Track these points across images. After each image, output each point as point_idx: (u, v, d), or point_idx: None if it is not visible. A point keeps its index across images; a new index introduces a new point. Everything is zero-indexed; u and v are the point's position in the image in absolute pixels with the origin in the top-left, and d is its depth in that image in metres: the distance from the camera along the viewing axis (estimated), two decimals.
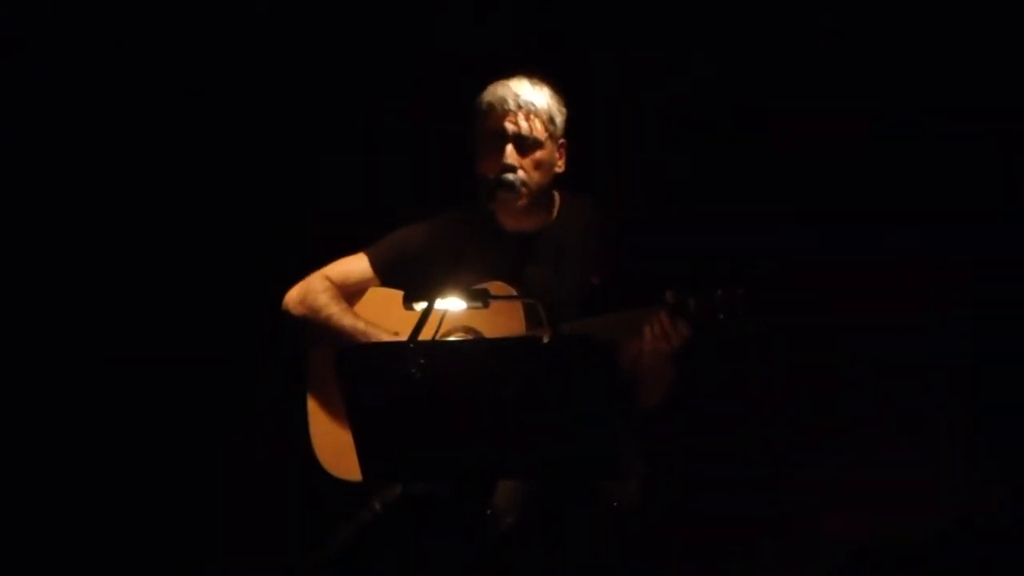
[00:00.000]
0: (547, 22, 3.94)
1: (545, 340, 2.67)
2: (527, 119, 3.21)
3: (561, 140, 3.28)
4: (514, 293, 3.15)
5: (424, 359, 2.52)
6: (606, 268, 3.24)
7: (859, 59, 3.83)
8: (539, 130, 3.22)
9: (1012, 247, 3.74)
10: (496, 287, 3.11)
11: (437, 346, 2.81)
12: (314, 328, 3.32)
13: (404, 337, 2.73)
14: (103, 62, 4.10)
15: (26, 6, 4.05)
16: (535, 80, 3.27)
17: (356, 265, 3.38)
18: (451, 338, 3.19)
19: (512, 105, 3.21)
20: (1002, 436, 3.80)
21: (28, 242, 4.13)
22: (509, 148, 3.21)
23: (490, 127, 3.23)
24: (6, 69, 4.07)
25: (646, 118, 3.90)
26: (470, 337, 3.19)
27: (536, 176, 3.22)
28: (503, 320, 3.14)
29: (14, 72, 4.08)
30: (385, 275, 3.37)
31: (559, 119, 3.26)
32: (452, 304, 2.87)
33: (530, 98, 3.23)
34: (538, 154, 3.23)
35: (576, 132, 3.30)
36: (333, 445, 3.25)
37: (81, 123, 4.12)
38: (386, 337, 3.25)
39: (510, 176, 3.18)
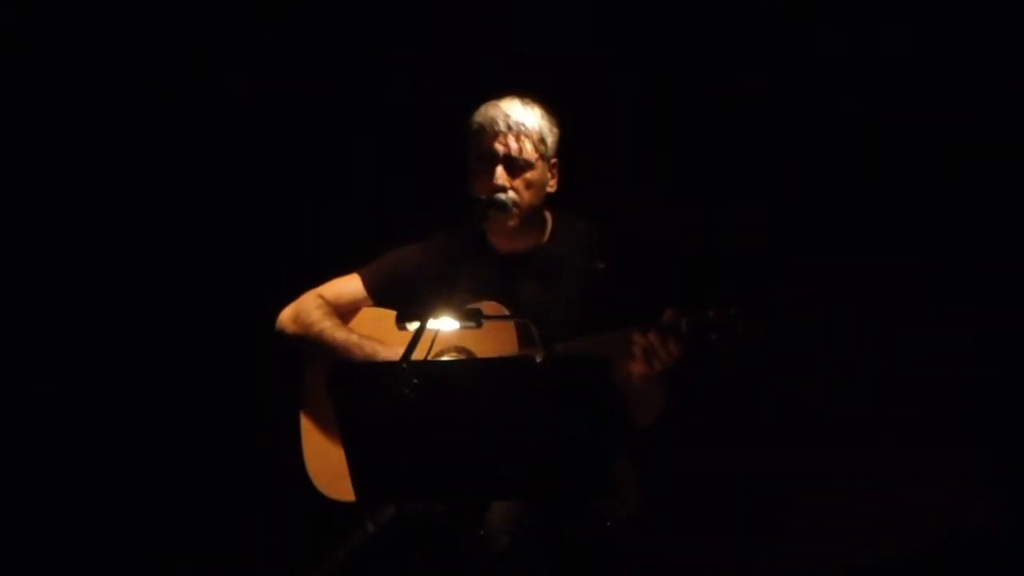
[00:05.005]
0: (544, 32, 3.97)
1: (538, 360, 2.67)
2: (517, 140, 3.21)
3: (553, 160, 3.28)
4: (507, 313, 3.15)
5: (417, 379, 2.51)
6: (604, 268, 3.24)
7: (853, 56, 3.86)
8: (529, 151, 3.22)
9: (1010, 258, 3.76)
10: (489, 307, 3.10)
11: (430, 366, 2.82)
12: (308, 345, 3.32)
13: (400, 349, 2.72)
14: (110, 75, 4.12)
15: (27, 8, 4.07)
16: (526, 100, 3.27)
17: (349, 285, 3.38)
18: (444, 358, 3.19)
19: (502, 126, 3.21)
20: (997, 447, 3.81)
21: (31, 267, 4.15)
22: (499, 169, 3.21)
23: (481, 148, 3.23)
24: (6, 70, 4.09)
25: (639, 130, 3.92)
26: (463, 357, 3.18)
27: (527, 196, 3.22)
28: (496, 340, 3.14)
29: (15, 75, 4.09)
30: (378, 295, 3.37)
31: (550, 139, 3.26)
32: (445, 324, 2.87)
33: (520, 119, 3.23)
34: (528, 174, 3.23)
35: (569, 148, 3.31)
36: (326, 465, 3.24)
37: (87, 136, 4.15)
38: (379, 348, 3.24)
39: (502, 196, 3.18)
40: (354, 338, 3.28)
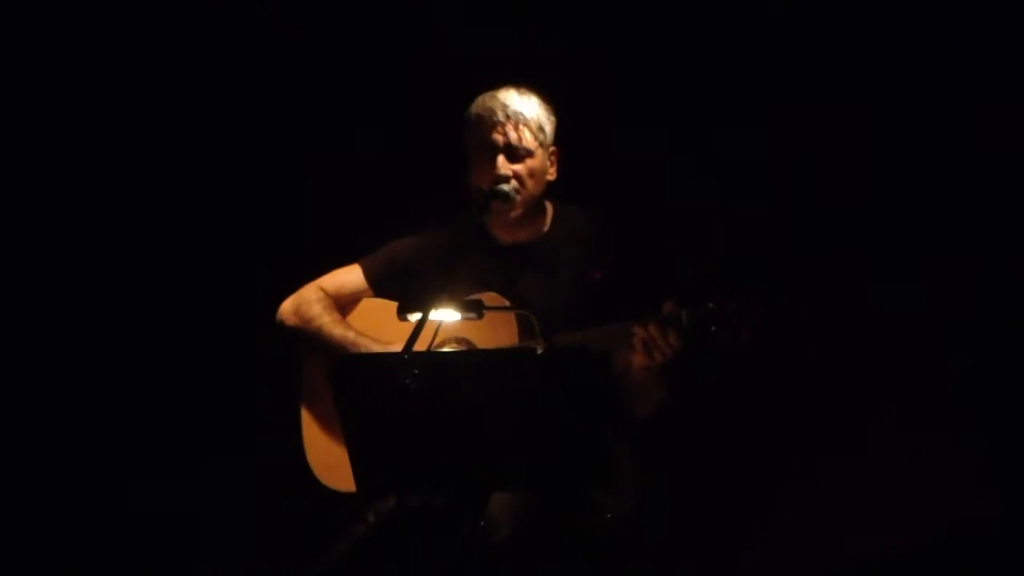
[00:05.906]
0: (542, 24, 3.97)
1: (539, 351, 2.67)
2: (516, 129, 3.22)
3: (552, 148, 3.28)
4: (508, 304, 3.15)
5: (418, 370, 2.51)
6: (600, 277, 3.24)
7: (854, 56, 3.85)
8: (529, 139, 3.23)
9: (1010, 252, 3.76)
10: (490, 298, 3.11)
11: (431, 357, 2.82)
12: (307, 338, 3.32)
13: (397, 348, 2.72)
14: (105, 68, 4.11)
15: (26, 8, 4.07)
16: (523, 89, 3.27)
17: (350, 276, 3.38)
18: (445, 349, 3.19)
19: (501, 116, 3.21)
20: (994, 441, 3.81)
21: (27, 255, 4.15)
22: (500, 159, 3.21)
23: (480, 139, 3.23)
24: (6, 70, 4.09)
25: (640, 121, 3.92)
26: (464, 348, 3.19)
27: (529, 185, 3.23)
28: (497, 331, 3.14)
29: (13, 74, 4.09)
30: (379, 286, 3.37)
31: (548, 127, 3.27)
32: (446, 315, 2.87)
33: (519, 108, 3.23)
34: (529, 163, 3.23)
35: (569, 137, 3.30)
36: (327, 456, 3.25)
37: (83, 130, 4.14)
38: (377, 348, 3.25)
39: (504, 186, 3.18)
40: (351, 335, 3.28)
